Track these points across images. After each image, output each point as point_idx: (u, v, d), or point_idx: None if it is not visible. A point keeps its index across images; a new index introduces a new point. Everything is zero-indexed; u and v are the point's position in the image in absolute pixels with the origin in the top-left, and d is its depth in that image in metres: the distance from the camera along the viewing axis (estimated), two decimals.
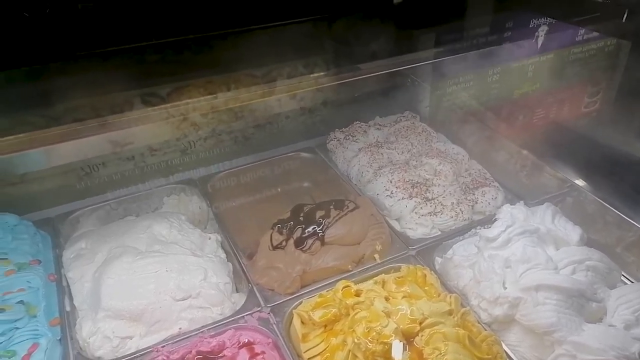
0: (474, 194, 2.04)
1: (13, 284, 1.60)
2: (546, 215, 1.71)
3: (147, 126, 2.16)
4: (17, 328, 1.49)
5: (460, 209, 1.96)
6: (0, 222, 1.77)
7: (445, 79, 2.52)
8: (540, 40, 2.48)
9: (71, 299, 1.65)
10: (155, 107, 1.98)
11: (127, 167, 2.18)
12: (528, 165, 2.21)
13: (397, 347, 1.32)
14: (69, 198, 2.08)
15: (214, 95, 2.02)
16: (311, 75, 2.15)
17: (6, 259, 1.66)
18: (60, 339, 1.52)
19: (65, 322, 1.58)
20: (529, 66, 2.58)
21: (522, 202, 1.81)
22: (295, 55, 2.12)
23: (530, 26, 2.42)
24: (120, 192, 2.15)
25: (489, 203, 2.01)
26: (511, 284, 1.53)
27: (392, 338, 1.30)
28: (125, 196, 2.11)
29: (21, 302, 1.55)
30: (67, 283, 1.70)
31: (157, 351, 1.42)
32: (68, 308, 1.63)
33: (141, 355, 1.47)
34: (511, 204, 1.82)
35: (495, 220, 1.73)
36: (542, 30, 2.44)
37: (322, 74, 2.15)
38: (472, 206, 2.01)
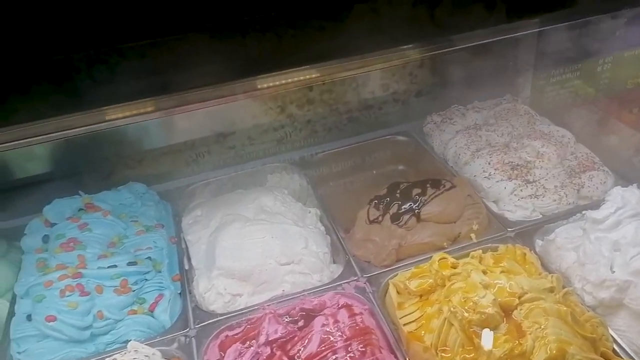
0: (580, 178, 1.95)
1: (142, 242, 1.83)
2: None
3: (251, 109, 2.33)
4: (146, 280, 1.70)
5: (564, 193, 1.89)
6: (132, 189, 2.02)
7: (550, 61, 2.42)
8: None
9: (189, 259, 1.85)
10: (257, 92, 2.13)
11: (234, 145, 2.36)
12: None
13: (486, 336, 1.32)
14: (186, 173, 2.32)
15: (311, 79, 2.13)
16: (409, 56, 2.16)
17: (137, 221, 1.90)
18: (180, 293, 1.72)
19: (185, 279, 1.77)
20: None
21: (635, 184, 1.71)
22: (394, 38, 2.15)
23: None
24: (228, 170, 2.34)
25: (596, 188, 1.92)
26: (620, 267, 1.46)
27: (490, 309, 1.31)
28: (234, 173, 2.30)
29: (149, 258, 1.77)
30: (186, 245, 1.90)
31: (264, 308, 1.55)
32: (187, 267, 1.83)
33: (250, 310, 1.61)
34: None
35: (604, 202, 1.65)
36: None
37: (419, 54, 2.16)
38: (578, 190, 1.92)
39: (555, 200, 1.88)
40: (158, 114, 1.96)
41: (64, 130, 1.80)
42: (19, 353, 1.53)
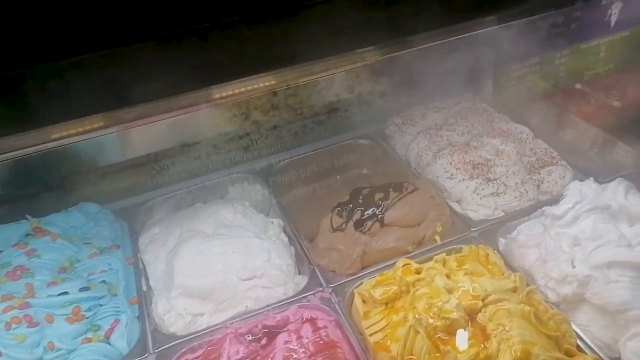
0: (539, 174, 1.96)
1: (96, 265, 1.74)
2: (618, 191, 1.62)
3: (210, 117, 2.27)
4: (101, 305, 1.62)
5: (524, 189, 1.90)
6: (83, 210, 1.93)
7: (509, 58, 2.44)
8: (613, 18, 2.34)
9: (147, 279, 1.77)
10: (216, 98, 2.07)
11: (193, 158, 2.29)
12: (599, 142, 2.09)
13: (461, 337, 1.30)
14: (142, 189, 2.24)
15: (271, 85, 2.09)
16: (367, 58, 2.15)
17: (90, 243, 1.81)
18: (138, 316, 1.64)
19: (143, 301, 1.70)
20: (600, 46, 2.43)
21: (591, 178, 1.72)
22: (348, 38, 2.12)
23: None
24: (187, 183, 2.27)
25: (556, 182, 1.93)
26: (580, 262, 1.46)
27: (454, 313, 1.29)
28: (194, 186, 2.23)
29: (104, 282, 1.69)
30: (143, 265, 1.82)
31: (225, 327, 1.49)
32: (145, 288, 1.75)
33: (211, 330, 1.55)
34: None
35: (563, 197, 1.66)
36: (616, 7, 2.30)
37: (378, 55, 2.14)
38: (538, 186, 1.94)
39: (516, 197, 1.88)
40: (114, 128, 1.88)
41: (9, 152, 1.71)
42: None
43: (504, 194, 1.89)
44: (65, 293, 1.58)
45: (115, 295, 1.66)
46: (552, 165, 1.98)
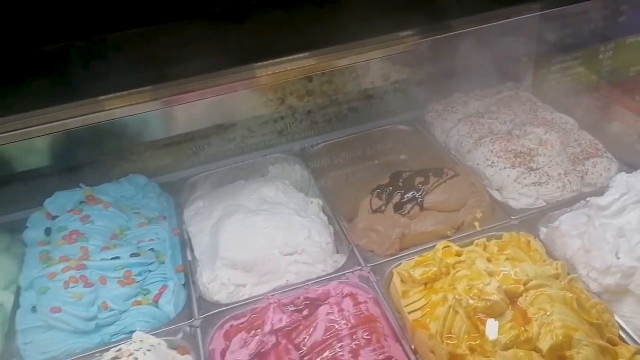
0: (583, 165, 1.94)
1: (144, 234, 1.82)
2: None
3: (251, 100, 2.32)
4: (149, 271, 1.70)
5: (568, 180, 1.89)
6: (132, 181, 2.02)
7: (552, 48, 2.40)
8: None
9: (192, 250, 1.85)
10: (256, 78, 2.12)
11: (228, 140, 2.34)
12: None
13: (491, 326, 1.32)
14: (185, 166, 2.31)
15: (311, 66, 2.12)
16: (408, 41, 2.15)
17: (139, 212, 1.89)
18: (184, 284, 1.72)
19: (188, 270, 1.77)
20: None
21: (639, 170, 1.70)
22: (393, 23, 2.13)
23: None
24: (228, 162, 2.34)
25: (600, 174, 1.91)
26: (625, 254, 1.45)
27: (495, 296, 1.31)
28: (235, 164, 2.29)
29: (152, 249, 1.77)
30: (188, 236, 1.90)
31: (267, 298, 1.55)
32: (189, 258, 1.83)
33: (254, 300, 1.61)
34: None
35: (609, 189, 1.64)
36: None
37: (419, 39, 2.14)
38: (582, 177, 1.92)
39: (559, 188, 1.87)
40: (157, 103, 1.96)
41: (62, 120, 1.81)
42: (24, 344, 1.53)
43: (547, 184, 1.88)
44: (117, 258, 1.66)
45: (163, 263, 1.74)
46: (597, 157, 1.96)
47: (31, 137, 1.85)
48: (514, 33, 2.47)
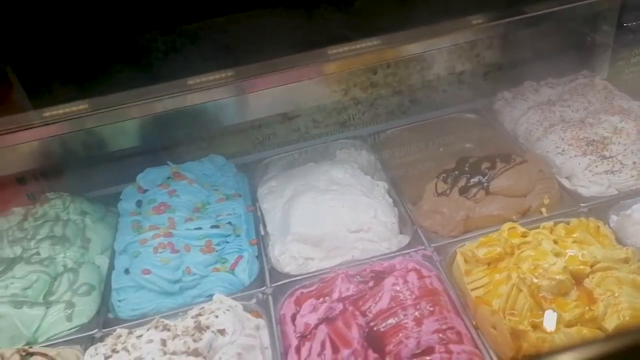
0: None
1: (223, 209, 1.98)
2: None
3: (315, 91, 2.42)
4: (227, 242, 1.85)
5: None
6: (212, 161, 2.19)
7: (632, 35, 2.31)
8: None
9: (264, 225, 1.98)
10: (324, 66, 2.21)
11: (299, 127, 2.46)
12: None
13: (550, 317, 1.33)
14: (257, 149, 2.46)
15: (381, 54, 2.19)
16: (480, 31, 2.16)
17: (217, 189, 2.06)
18: (257, 256, 1.85)
19: (261, 243, 1.91)
20: None
21: None
22: (463, 10, 2.14)
23: None
24: (298, 146, 2.46)
25: None
26: None
27: (560, 275, 1.33)
28: (305, 148, 2.41)
29: (229, 223, 1.92)
30: (261, 213, 2.03)
31: (335, 271, 1.65)
32: (262, 233, 1.96)
33: (322, 273, 1.71)
34: None
35: None
36: None
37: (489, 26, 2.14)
38: None
39: (633, 177, 1.82)
40: (237, 90, 2.12)
41: (152, 102, 2.01)
42: (119, 301, 1.72)
43: (620, 172, 1.84)
44: (200, 228, 1.83)
45: (239, 236, 1.89)
46: None
47: (125, 119, 2.07)
48: (591, 18, 2.40)
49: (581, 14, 2.29)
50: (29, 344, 1.60)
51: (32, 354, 1.41)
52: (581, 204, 1.80)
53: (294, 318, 1.51)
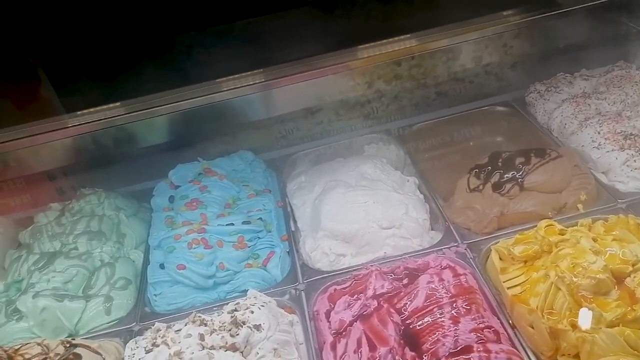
0: None
1: (253, 204, 2.00)
2: None
3: (339, 85, 2.40)
4: (259, 238, 1.87)
5: None
6: (242, 157, 2.21)
7: None
8: None
9: (295, 221, 1.99)
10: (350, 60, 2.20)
11: (315, 123, 2.45)
12: None
13: (585, 315, 1.31)
14: (283, 144, 2.46)
15: (410, 48, 2.17)
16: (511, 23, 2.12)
17: (248, 185, 2.07)
18: (288, 252, 1.86)
19: (292, 239, 1.92)
20: None
21: None
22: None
23: None
24: (325, 141, 2.45)
25: None
26: None
27: (600, 274, 1.30)
28: (333, 143, 2.40)
29: (260, 219, 1.94)
30: (291, 208, 2.04)
31: (367, 267, 1.65)
32: (293, 228, 1.97)
33: (354, 269, 1.72)
34: None
35: None
36: None
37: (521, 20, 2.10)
38: None
39: None
40: (260, 87, 2.14)
41: (181, 101, 2.04)
42: (155, 295, 1.76)
43: None
44: (232, 224, 1.85)
45: (270, 232, 1.90)
46: None
47: (156, 116, 2.11)
48: (625, 5, 2.33)
49: (615, 0, 2.23)
50: (70, 335, 1.65)
51: (75, 346, 1.45)
52: (619, 200, 1.76)
53: (328, 315, 1.52)
